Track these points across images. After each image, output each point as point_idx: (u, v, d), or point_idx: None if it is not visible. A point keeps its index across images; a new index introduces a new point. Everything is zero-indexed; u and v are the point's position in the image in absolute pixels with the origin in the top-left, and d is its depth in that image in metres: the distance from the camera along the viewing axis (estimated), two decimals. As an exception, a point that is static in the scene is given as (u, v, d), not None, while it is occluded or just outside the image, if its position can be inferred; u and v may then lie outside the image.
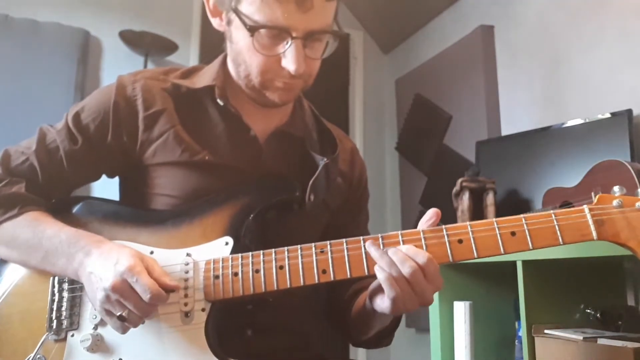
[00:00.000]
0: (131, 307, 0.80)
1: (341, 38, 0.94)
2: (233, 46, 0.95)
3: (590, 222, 0.80)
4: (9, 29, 2.68)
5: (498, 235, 0.81)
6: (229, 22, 0.94)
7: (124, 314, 0.80)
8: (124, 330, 0.83)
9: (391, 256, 0.79)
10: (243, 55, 0.92)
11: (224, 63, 1.02)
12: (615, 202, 0.80)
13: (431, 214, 0.84)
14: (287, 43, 0.88)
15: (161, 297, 0.80)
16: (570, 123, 2.03)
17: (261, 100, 0.97)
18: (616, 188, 0.82)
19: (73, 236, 0.89)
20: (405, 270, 0.78)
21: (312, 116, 1.10)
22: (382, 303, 0.84)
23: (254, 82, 0.93)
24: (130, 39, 2.78)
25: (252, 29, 0.87)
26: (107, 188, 1.14)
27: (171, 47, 2.85)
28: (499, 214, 2.01)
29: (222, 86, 0.99)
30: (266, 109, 1.00)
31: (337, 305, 1.06)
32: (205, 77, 1.00)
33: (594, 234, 0.79)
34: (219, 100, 0.97)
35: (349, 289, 1.05)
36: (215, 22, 0.98)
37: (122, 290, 0.80)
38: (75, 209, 0.99)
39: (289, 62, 0.88)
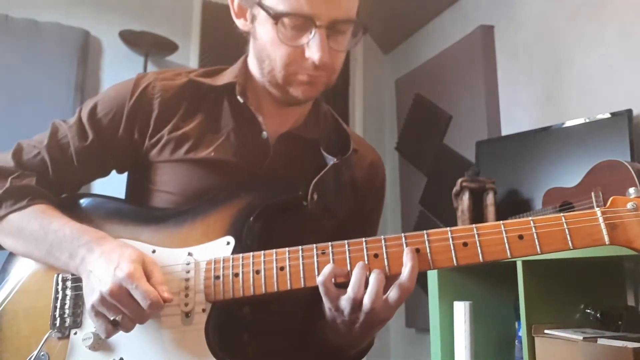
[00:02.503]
0: (127, 312, 0.81)
1: (364, 29, 0.94)
2: (257, 42, 0.95)
3: (603, 225, 0.76)
4: (9, 29, 2.68)
5: (505, 239, 0.78)
6: (252, 19, 0.94)
7: (117, 319, 0.81)
8: (109, 335, 0.83)
9: (371, 281, 0.80)
10: (267, 49, 0.92)
11: (245, 63, 1.02)
12: (629, 205, 0.76)
13: None
14: (310, 33, 0.88)
15: (159, 305, 0.80)
16: (570, 123, 2.03)
17: (284, 98, 0.96)
18: (632, 190, 0.78)
19: (77, 231, 0.90)
20: (366, 302, 0.79)
21: (332, 120, 1.09)
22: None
23: (277, 78, 0.93)
24: (130, 39, 2.79)
25: (277, 17, 0.88)
26: (108, 185, 1.14)
27: (171, 47, 2.85)
28: (499, 214, 2.02)
29: (243, 84, 0.99)
30: (285, 110, 1.00)
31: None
32: (227, 76, 1.02)
33: (606, 238, 0.75)
34: (239, 97, 0.97)
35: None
36: (239, 23, 0.99)
37: (120, 296, 0.80)
38: (79, 206, 1.00)
39: (313, 51, 0.88)
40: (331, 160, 0.98)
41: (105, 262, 0.83)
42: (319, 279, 0.81)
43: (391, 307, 0.81)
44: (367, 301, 0.79)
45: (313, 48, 0.88)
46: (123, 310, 0.80)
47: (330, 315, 0.85)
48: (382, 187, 1.13)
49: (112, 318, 0.81)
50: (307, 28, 0.88)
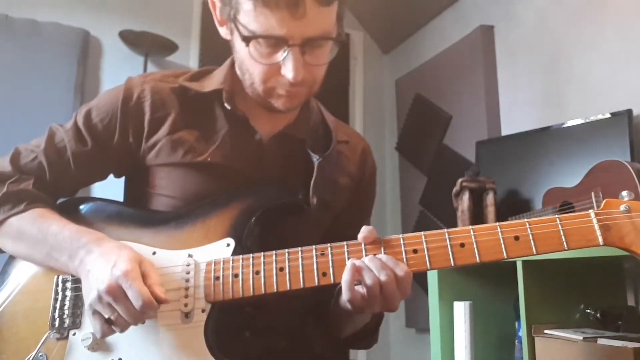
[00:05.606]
0: (121, 311, 0.81)
1: (341, 44, 0.93)
2: (237, 55, 0.96)
3: (596, 227, 0.78)
4: (9, 29, 2.68)
5: (501, 240, 0.79)
6: (231, 32, 0.94)
7: (112, 317, 0.81)
8: (104, 334, 0.84)
9: (368, 263, 0.80)
10: (245, 64, 0.93)
11: (232, 67, 1.02)
12: (622, 207, 0.78)
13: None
14: (284, 51, 0.87)
15: (152, 305, 0.80)
16: (570, 123, 2.03)
17: (267, 106, 0.97)
18: (624, 193, 0.80)
19: (76, 233, 0.90)
20: (382, 277, 0.79)
21: (320, 114, 1.10)
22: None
23: (258, 90, 0.94)
24: (130, 39, 2.78)
25: (247, 39, 0.87)
26: (107, 188, 1.14)
27: (171, 47, 2.85)
28: (499, 214, 2.02)
29: (229, 90, 0.99)
30: (273, 113, 1.00)
31: (323, 307, 1.05)
32: (214, 81, 1.01)
33: (600, 239, 0.77)
34: (226, 105, 0.98)
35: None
36: (222, 31, 0.99)
37: (115, 294, 0.80)
38: (80, 210, 1.00)
39: (287, 70, 0.88)
40: (314, 158, 0.99)
41: (103, 261, 0.83)
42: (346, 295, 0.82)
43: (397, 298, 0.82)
44: (383, 257, 0.81)
45: (287, 67, 0.88)
46: (117, 309, 0.81)
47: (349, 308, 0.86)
48: (373, 174, 1.14)
49: (106, 316, 0.81)
50: (281, 46, 0.87)
